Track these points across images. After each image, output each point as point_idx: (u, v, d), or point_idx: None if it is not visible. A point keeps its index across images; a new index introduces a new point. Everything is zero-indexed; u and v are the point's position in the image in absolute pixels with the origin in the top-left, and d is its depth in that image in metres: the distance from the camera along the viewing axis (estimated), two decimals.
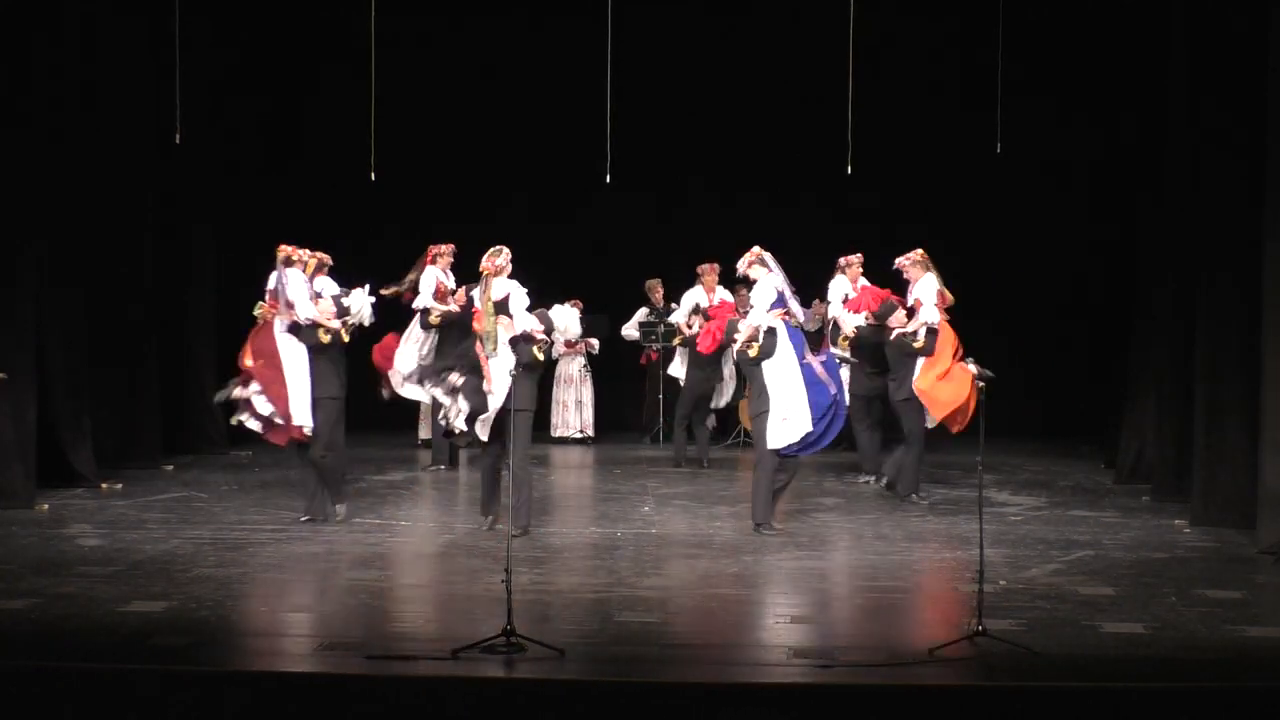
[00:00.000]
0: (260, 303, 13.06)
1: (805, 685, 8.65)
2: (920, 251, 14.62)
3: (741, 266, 13.08)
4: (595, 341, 18.49)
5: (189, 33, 15.15)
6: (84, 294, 15.01)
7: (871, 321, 15.09)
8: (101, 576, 10.93)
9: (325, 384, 12.92)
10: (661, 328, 18.05)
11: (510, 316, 12.53)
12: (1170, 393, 14.25)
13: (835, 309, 15.71)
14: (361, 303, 13.39)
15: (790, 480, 13.09)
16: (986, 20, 14.85)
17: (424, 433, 17.76)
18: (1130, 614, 10.07)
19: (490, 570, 11.01)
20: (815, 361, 12.65)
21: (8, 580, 10.75)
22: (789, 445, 12.58)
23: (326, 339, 12.87)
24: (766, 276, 12.95)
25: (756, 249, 12.96)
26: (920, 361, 14.24)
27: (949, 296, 14.55)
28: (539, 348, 12.60)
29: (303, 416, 12.78)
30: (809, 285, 17.35)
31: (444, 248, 16.19)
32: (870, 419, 15.51)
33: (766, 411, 12.60)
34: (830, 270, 16.09)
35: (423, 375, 13.15)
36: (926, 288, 14.45)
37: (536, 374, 12.78)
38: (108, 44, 15.42)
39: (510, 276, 12.76)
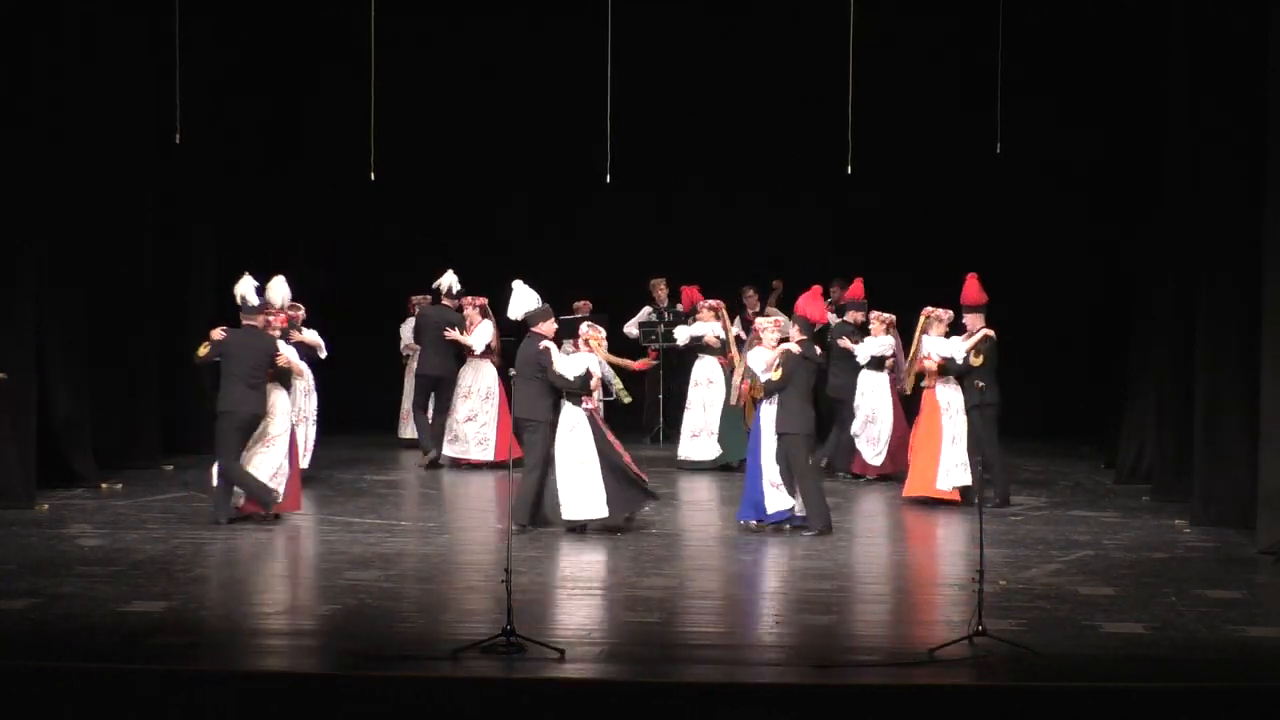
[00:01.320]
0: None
1: (805, 685, 8.65)
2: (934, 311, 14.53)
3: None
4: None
5: (189, 33, 15.13)
6: (84, 294, 15.00)
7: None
8: (101, 576, 10.93)
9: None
10: (661, 328, 18.02)
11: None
12: (1170, 393, 14.24)
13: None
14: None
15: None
16: (986, 20, 14.84)
17: (406, 432, 17.73)
18: (1130, 614, 10.07)
19: (490, 570, 11.02)
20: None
21: (8, 580, 10.75)
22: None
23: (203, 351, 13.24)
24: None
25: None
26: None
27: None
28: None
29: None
30: (806, 286, 17.39)
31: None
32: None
33: (798, 434, 12.80)
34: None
35: None
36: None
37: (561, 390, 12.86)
38: (108, 44, 15.40)
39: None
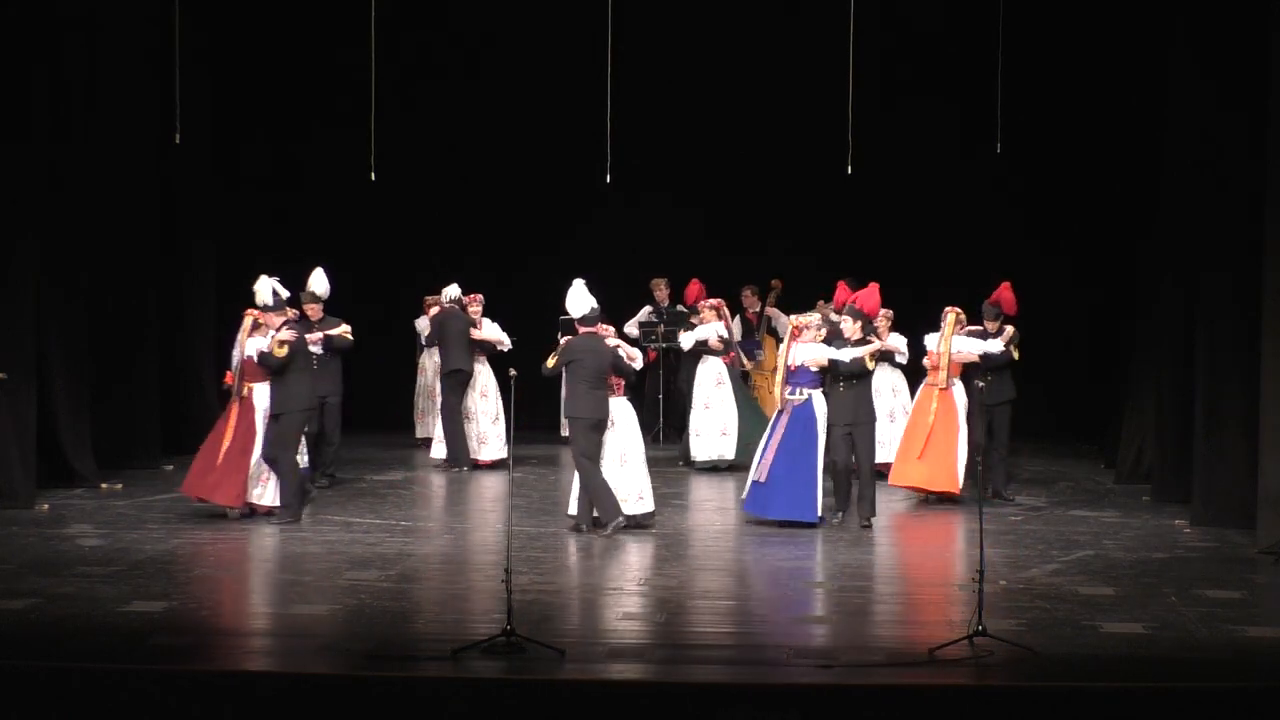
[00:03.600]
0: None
1: (805, 685, 8.65)
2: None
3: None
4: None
5: (190, 33, 15.13)
6: (84, 294, 14.99)
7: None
8: (101, 576, 10.93)
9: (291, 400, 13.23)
10: (661, 328, 18.01)
11: None
12: (1170, 393, 14.23)
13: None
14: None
15: None
16: (987, 20, 14.84)
17: (420, 431, 17.75)
18: (1130, 614, 10.08)
19: (490, 570, 11.02)
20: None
21: (8, 580, 10.75)
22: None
23: (283, 352, 13.07)
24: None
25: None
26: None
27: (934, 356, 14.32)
28: None
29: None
30: (806, 284, 17.36)
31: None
32: None
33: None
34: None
35: None
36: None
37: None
38: (108, 43, 15.41)
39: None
